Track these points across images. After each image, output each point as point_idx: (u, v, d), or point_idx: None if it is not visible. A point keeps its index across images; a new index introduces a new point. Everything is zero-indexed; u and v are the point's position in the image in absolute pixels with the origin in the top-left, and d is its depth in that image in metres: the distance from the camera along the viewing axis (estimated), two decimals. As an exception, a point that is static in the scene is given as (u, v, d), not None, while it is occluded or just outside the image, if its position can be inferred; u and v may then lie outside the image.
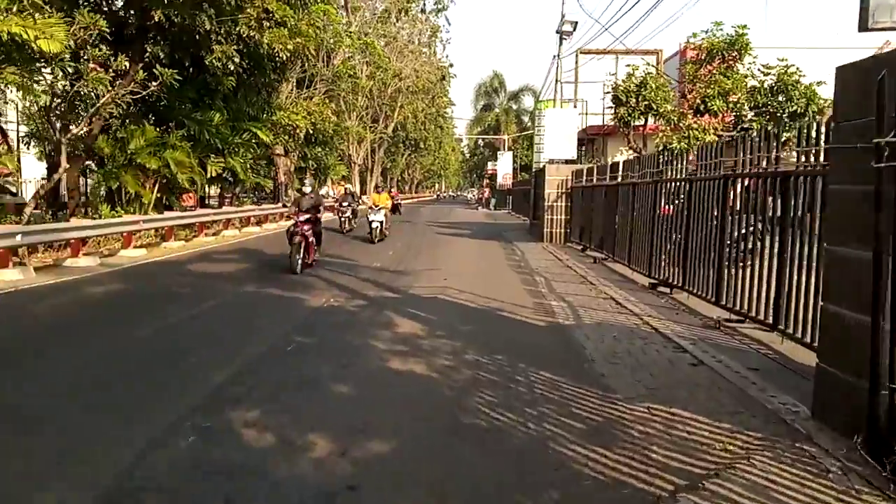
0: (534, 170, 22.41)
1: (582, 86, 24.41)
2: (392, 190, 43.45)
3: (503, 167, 49.09)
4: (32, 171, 28.38)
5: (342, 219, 19.92)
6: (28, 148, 23.48)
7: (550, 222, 18.21)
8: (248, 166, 21.93)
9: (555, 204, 18.11)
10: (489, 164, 57.42)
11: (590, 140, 26.20)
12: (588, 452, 3.80)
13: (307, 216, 11.31)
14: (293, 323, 7.41)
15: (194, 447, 3.84)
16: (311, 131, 27.24)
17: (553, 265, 13.07)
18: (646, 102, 17.84)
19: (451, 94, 65.69)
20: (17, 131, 29.27)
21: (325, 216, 15.87)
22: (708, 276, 7.73)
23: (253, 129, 20.70)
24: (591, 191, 14.93)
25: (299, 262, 10.95)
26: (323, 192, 39.06)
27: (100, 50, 12.01)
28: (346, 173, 43.22)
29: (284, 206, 17.94)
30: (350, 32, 32.43)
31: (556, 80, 21.96)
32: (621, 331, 6.91)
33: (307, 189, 12.40)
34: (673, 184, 9.30)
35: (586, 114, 23.83)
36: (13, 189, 22.64)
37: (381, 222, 17.18)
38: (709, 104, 18.14)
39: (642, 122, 18.79)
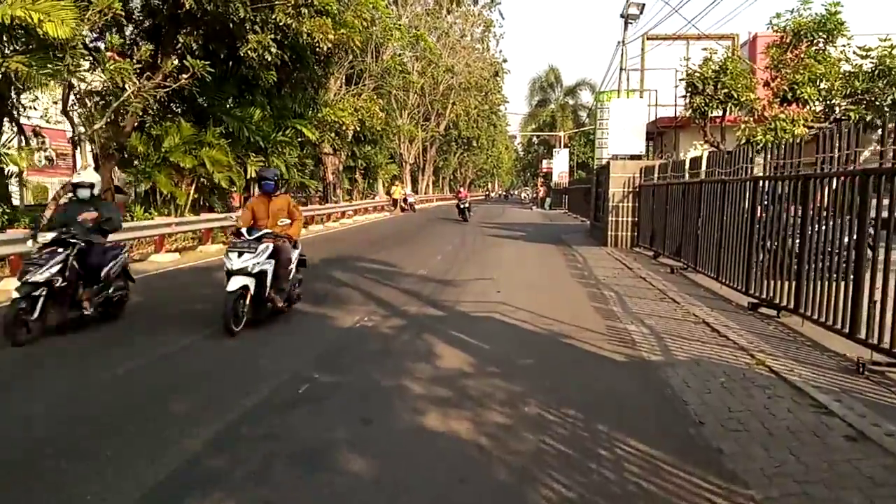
0: (595, 167, 20.59)
1: (648, 74, 22.39)
2: (461, 190, 35.16)
3: (559, 165, 47.24)
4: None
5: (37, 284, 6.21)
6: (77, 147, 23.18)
7: (615, 225, 16.46)
8: (294, 165, 20.95)
9: (620, 204, 16.35)
10: (544, 161, 55.41)
11: (659, 134, 24.08)
12: None
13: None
14: (316, 350, 6.11)
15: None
16: (359, 129, 26.19)
17: (622, 275, 11.39)
18: (725, 90, 15.92)
19: (505, 90, 63.87)
20: (74, 130, 29.33)
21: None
22: (835, 299, 6.02)
23: (297, 127, 19.71)
24: (665, 189, 13.17)
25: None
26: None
27: (120, 37, 11.03)
28: (397, 173, 42.09)
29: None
30: (400, 26, 31.29)
31: (621, 68, 20.07)
32: (730, 373, 5.26)
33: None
34: (782, 182, 7.57)
35: (656, 105, 21.74)
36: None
37: (278, 279, 7.03)
38: (798, 92, 16.10)
39: (720, 114, 16.84)
